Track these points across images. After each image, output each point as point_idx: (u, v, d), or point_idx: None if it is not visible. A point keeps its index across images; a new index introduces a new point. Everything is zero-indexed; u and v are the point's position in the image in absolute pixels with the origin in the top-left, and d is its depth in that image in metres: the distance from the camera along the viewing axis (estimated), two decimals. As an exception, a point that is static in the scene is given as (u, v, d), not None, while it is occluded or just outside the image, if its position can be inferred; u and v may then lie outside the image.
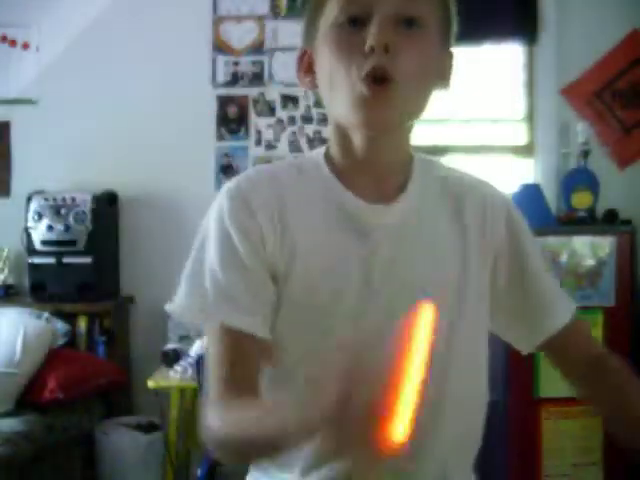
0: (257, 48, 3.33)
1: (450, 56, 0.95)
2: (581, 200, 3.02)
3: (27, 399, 2.71)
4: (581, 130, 3.07)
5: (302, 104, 3.30)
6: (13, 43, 3.34)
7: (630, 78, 3.25)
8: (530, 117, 3.36)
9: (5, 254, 3.26)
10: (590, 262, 2.74)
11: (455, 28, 0.95)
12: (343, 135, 0.91)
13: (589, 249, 2.74)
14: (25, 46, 3.34)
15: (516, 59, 3.38)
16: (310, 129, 3.31)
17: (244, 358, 0.86)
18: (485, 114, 3.49)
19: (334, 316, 0.88)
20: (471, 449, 0.97)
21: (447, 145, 3.38)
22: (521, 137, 3.39)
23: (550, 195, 3.10)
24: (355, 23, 0.85)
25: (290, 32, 3.29)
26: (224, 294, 0.86)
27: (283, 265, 0.88)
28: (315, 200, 0.91)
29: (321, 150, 0.97)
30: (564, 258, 2.73)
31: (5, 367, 2.69)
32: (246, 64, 3.34)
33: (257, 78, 3.33)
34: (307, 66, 0.94)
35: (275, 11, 3.32)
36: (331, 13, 0.87)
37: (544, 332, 1.01)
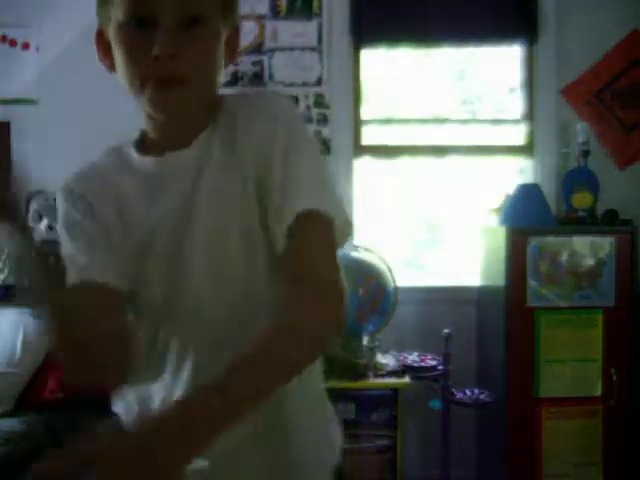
0: (257, 48, 3.33)
1: (235, 31, 0.99)
2: (581, 200, 3.02)
3: (27, 399, 2.71)
4: (581, 130, 3.07)
5: (302, 104, 3.31)
6: (13, 43, 3.34)
7: (630, 78, 3.25)
8: (530, 117, 3.36)
9: (5, 254, 3.26)
10: (590, 262, 2.74)
11: (235, 9, 0.98)
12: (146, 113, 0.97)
13: (589, 249, 2.74)
14: (25, 46, 3.34)
15: (516, 59, 3.38)
16: (310, 129, 3.31)
17: (99, 310, 0.93)
18: (485, 114, 3.49)
19: (150, 257, 0.95)
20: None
21: (447, 145, 3.38)
22: (521, 137, 3.39)
23: (550, 195, 3.10)
24: (142, 24, 0.89)
25: (290, 32, 3.30)
26: (70, 262, 0.97)
27: (120, 234, 0.97)
28: (126, 174, 0.99)
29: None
30: (564, 258, 2.73)
31: (5, 367, 2.69)
32: (246, 64, 3.34)
33: (257, 78, 3.33)
34: (105, 48, 0.97)
35: (275, 11, 3.32)
36: (118, 9, 0.91)
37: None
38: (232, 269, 0.94)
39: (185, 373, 0.95)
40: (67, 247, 0.99)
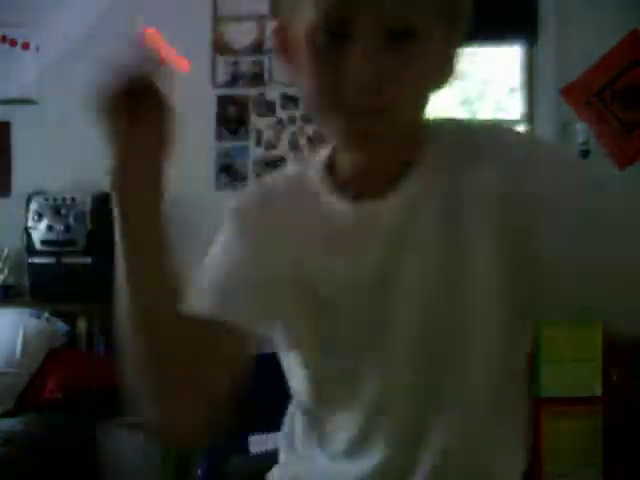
0: (257, 48, 3.33)
1: (454, 57, 0.79)
2: (581, 200, 3.02)
3: (27, 399, 2.71)
4: (581, 130, 3.07)
5: (302, 104, 3.30)
6: (13, 43, 3.34)
7: (630, 78, 3.25)
8: (530, 117, 3.36)
9: (5, 254, 3.26)
10: (590, 262, 2.73)
11: (464, 25, 0.80)
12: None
13: (589, 249, 2.74)
14: (25, 46, 3.34)
15: (516, 59, 3.38)
16: (310, 129, 3.31)
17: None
18: (485, 114, 3.49)
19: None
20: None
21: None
22: (521, 137, 3.39)
23: (550, 195, 3.10)
24: (336, 34, 0.70)
25: (290, 32, 3.30)
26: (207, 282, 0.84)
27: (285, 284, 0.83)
28: (305, 219, 0.83)
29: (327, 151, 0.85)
30: (564, 258, 2.73)
31: (5, 367, 2.69)
32: (246, 64, 3.34)
33: (257, 78, 3.33)
34: (285, 48, 0.79)
35: (275, 11, 3.32)
36: (307, 8, 0.71)
37: None
38: (441, 359, 0.79)
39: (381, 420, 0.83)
40: (210, 266, 0.86)
